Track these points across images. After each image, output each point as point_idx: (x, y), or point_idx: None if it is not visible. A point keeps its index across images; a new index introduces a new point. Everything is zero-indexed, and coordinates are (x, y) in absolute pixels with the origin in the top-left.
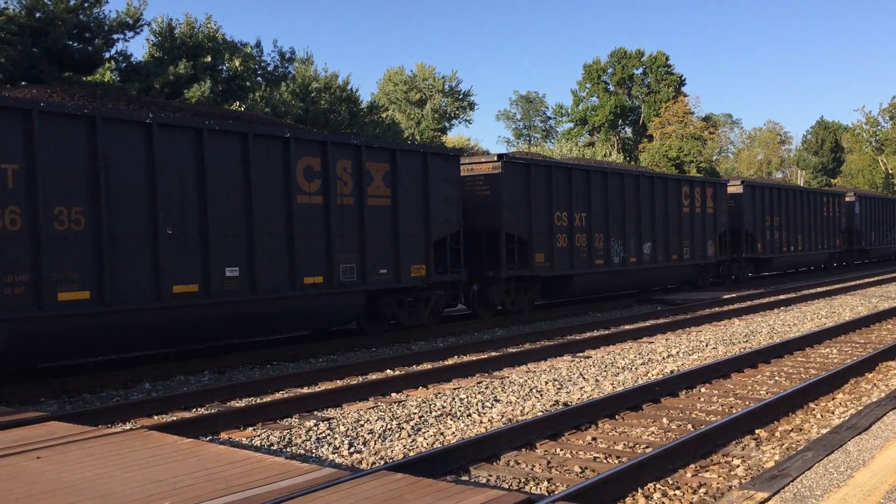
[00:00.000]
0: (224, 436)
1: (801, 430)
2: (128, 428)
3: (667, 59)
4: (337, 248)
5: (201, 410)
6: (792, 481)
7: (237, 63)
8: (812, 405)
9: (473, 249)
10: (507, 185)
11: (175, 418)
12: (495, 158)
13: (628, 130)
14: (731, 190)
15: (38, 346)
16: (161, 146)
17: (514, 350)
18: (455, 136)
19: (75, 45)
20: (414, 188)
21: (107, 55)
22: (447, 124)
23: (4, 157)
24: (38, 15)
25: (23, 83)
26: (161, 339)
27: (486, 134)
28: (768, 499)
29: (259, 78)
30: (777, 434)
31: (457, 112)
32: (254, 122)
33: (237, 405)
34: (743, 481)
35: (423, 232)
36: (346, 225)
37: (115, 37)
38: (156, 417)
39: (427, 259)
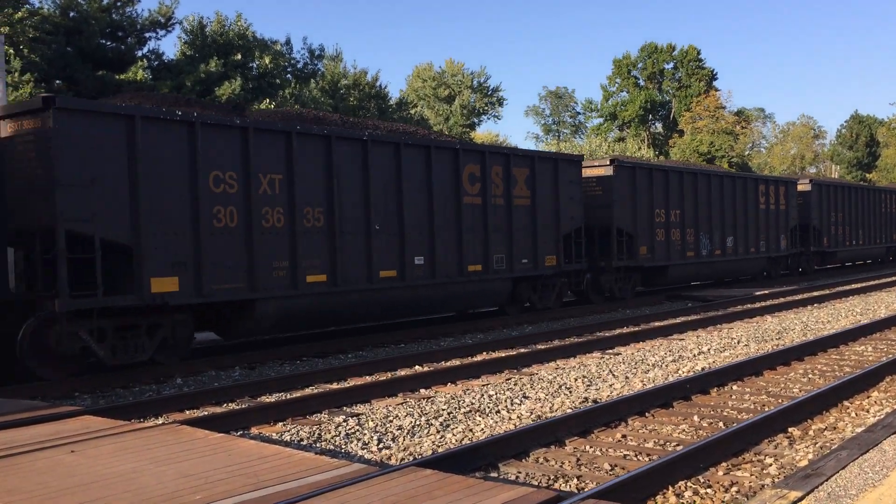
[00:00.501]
0: (254, 431)
1: (835, 428)
2: (160, 422)
3: (698, 53)
4: (492, 241)
5: (232, 405)
6: (826, 480)
7: (267, 60)
8: (846, 403)
9: (587, 243)
10: (617, 186)
11: (206, 413)
12: (608, 162)
13: (659, 125)
14: (800, 188)
15: (291, 318)
16: (372, 159)
17: (542, 347)
18: (483, 132)
19: (108, 43)
20: (547, 189)
21: (139, 53)
22: (476, 120)
23: (274, 169)
24: (71, 14)
25: (57, 82)
26: (370, 314)
27: (514, 130)
28: (802, 498)
29: (289, 75)
30: (810, 433)
31: (485, 108)
32: (405, 133)
33: (267, 400)
34: (776, 480)
35: (554, 227)
36: (498, 221)
37: (148, 35)
38: (187, 412)
39: (557, 251)
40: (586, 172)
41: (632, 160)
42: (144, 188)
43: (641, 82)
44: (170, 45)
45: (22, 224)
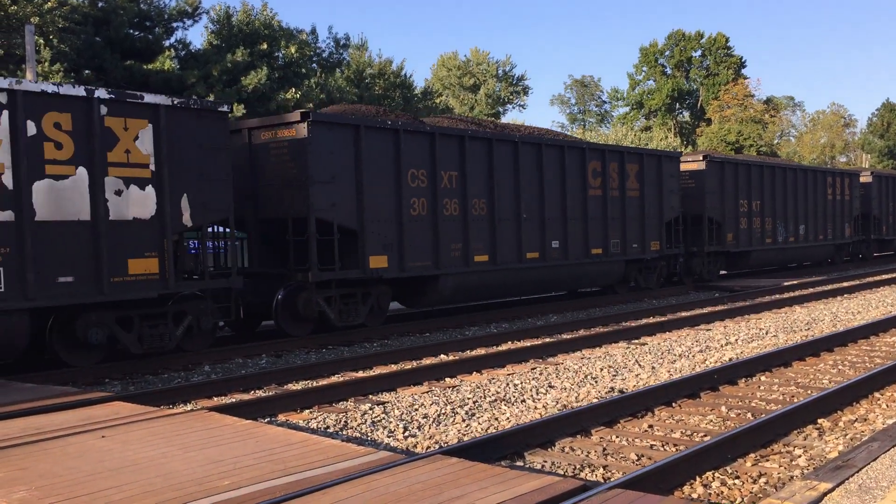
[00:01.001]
0: (281, 418)
1: (865, 420)
2: (189, 409)
3: (726, 40)
4: (610, 228)
5: (259, 393)
6: (857, 472)
7: (293, 50)
8: (877, 395)
9: (683, 230)
10: (708, 179)
11: (234, 400)
12: (700, 157)
13: (686, 114)
14: (862, 180)
15: (464, 291)
16: (521, 157)
17: (568, 336)
18: (509, 120)
19: (136, 33)
20: (653, 182)
21: (167, 43)
22: (501, 109)
23: (451, 167)
24: (100, 4)
25: (86, 72)
26: (520, 289)
27: (540, 119)
28: (832, 489)
29: (314, 64)
30: (840, 424)
31: (511, 97)
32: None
33: (294, 388)
34: (805, 472)
35: (658, 216)
36: (615, 210)
37: (175, 25)
38: (215, 399)
39: (660, 237)
40: (682, 167)
41: (720, 155)
42: (366, 184)
43: (668, 70)
44: (197, 35)
45: (272, 214)
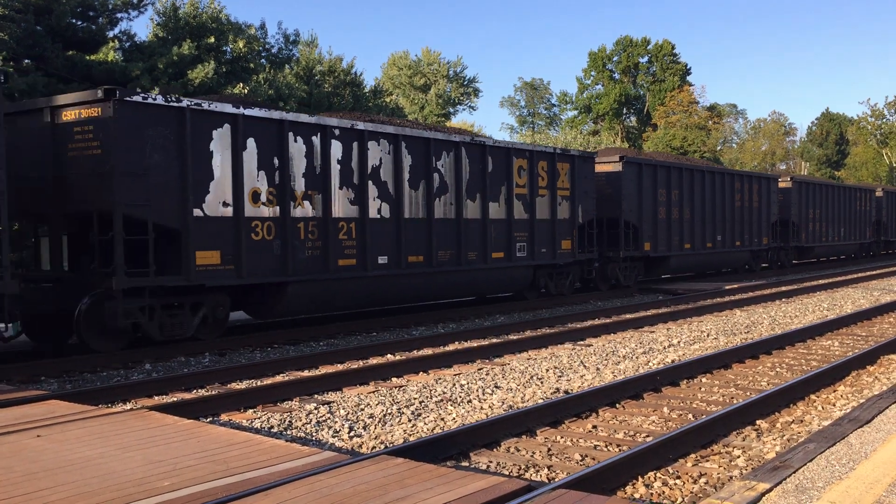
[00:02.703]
0: (224, 418)
1: (802, 421)
2: (128, 408)
3: (672, 47)
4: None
5: (201, 392)
6: (794, 472)
7: (241, 45)
8: (813, 397)
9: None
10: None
11: (175, 399)
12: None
13: (633, 119)
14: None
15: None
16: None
17: (515, 337)
18: (459, 121)
19: (79, 23)
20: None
21: (110, 34)
22: (451, 110)
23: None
24: None
25: (26, 61)
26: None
27: (489, 120)
28: (770, 489)
29: (263, 60)
30: (778, 425)
31: (461, 98)
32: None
33: (238, 387)
34: (744, 472)
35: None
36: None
37: (119, 16)
38: (156, 398)
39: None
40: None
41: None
42: (645, 198)
43: (616, 76)
44: (142, 27)
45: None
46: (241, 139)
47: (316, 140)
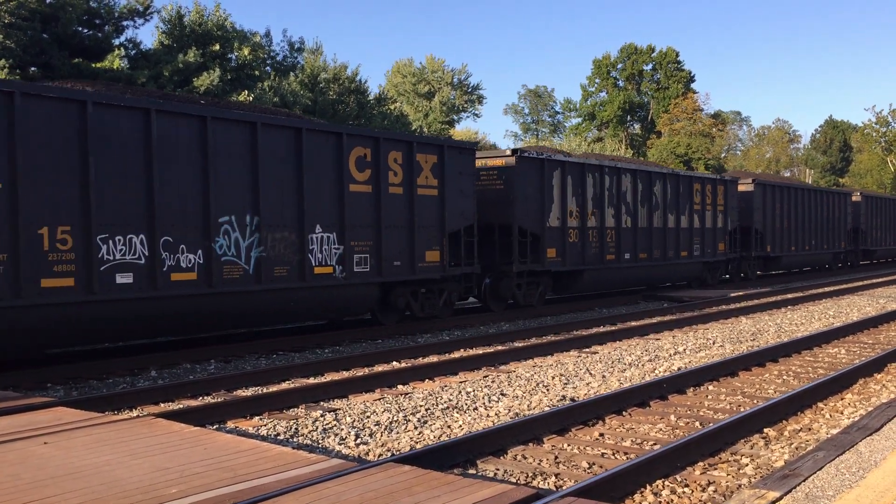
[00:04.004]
0: (230, 425)
1: (810, 429)
2: (134, 415)
3: (677, 55)
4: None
5: (208, 399)
6: (803, 481)
7: (246, 52)
8: (821, 405)
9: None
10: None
11: (181, 406)
12: (509, 153)
13: (637, 126)
14: (741, 188)
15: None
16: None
17: (520, 344)
18: (462, 129)
19: (85, 31)
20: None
21: (116, 42)
22: (455, 117)
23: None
24: (48, 0)
25: (32, 69)
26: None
27: (493, 128)
28: (780, 498)
29: (268, 67)
30: (786, 433)
31: (465, 105)
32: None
33: (244, 394)
34: (752, 480)
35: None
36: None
37: (125, 24)
38: (162, 405)
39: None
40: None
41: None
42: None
43: (620, 83)
44: (147, 35)
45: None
46: (565, 177)
47: (597, 175)
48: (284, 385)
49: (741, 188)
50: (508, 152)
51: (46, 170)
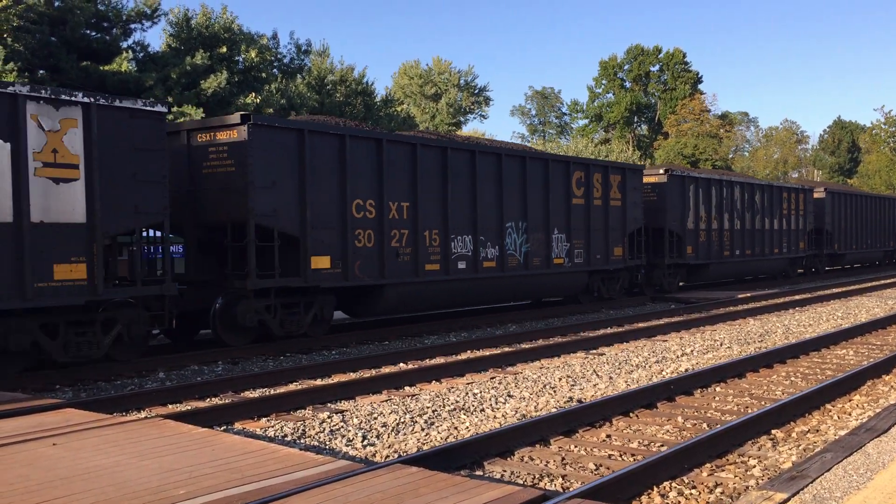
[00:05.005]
0: (238, 426)
1: (817, 431)
2: (143, 416)
3: (684, 56)
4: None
5: (215, 400)
6: (811, 482)
7: (253, 54)
8: (829, 406)
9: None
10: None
11: (189, 407)
12: (661, 171)
13: (644, 128)
14: (816, 195)
15: None
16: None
17: (527, 346)
18: (469, 130)
19: (93, 34)
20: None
21: (124, 45)
22: (462, 119)
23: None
24: (56, 4)
25: (41, 72)
26: None
27: (500, 129)
28: (787, 499)
29: (275, 70)
30: (794, 435)
31: (472, 107)
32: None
33: (251, 396)
34: (760, 482)
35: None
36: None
37: (133, 27)
38: (170, 406)
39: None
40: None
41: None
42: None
43: (627, 84)
44: (155, 37)
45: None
46: (697, 190)
47: (717, 188)
48: (292, 386)
49: (815, 195)
50: (661, 171)
51: (428, 192)
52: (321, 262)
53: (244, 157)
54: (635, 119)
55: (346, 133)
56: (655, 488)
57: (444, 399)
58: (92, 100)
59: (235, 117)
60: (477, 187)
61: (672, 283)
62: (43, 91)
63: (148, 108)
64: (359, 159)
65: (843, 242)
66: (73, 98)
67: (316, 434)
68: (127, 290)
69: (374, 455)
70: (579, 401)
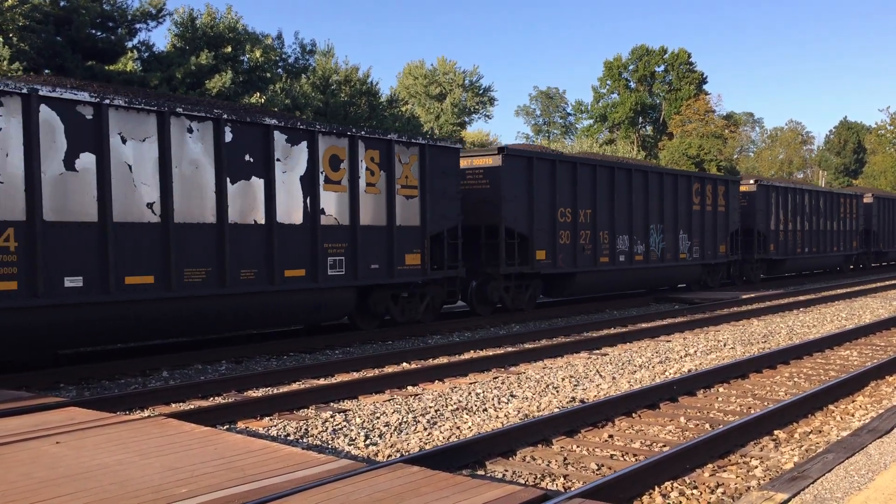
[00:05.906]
0: (241, 425)
1: (820, 432)
2: (146, 415)
3: (689, 56)
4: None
5: (218, 399)
6: (812, 483)
7: (258, 54)
8: (832, 407)
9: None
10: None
11: (192, 406)
12: (496, 151)
13: (649, 128)
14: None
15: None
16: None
17: (530, 346)
18: (474, 130)
19: (98, 34)
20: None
21: (129, 45)
22: (466, 119)
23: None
24: (62, 3)
25: (46, 71)
26: None
27: (505, 129)
28: (788, 500)
29: (280, 69)
30: (796, 436)
31: (476, 107)
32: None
33: (254, 395)
34: (761, 482)
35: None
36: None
37: (138, 26)
38: (173, 405)
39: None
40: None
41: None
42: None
43: (632, 84)
44: (160, 37)
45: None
46: (778, 197)
47: (790, 195)
48: (295, 386)
49: (865, 201)
50: (752, 181)
51: (602, 202)
52: (541, 255)
53: (498, 179)
54: (640, 119)
55: (556, 158)
56: (657, 488)
57: (446, 399)
58: (426, 141)
59: (493, 148)
60: (632, 198)
61: (756, 276)
62: (403, 137)
63: (451, 146)
64: (562, 178)
65: (887, 241)
66: (415, 141)
67: (319, 433)
68: (439, 273)
69: (376, 454)
70: (582, 401)
